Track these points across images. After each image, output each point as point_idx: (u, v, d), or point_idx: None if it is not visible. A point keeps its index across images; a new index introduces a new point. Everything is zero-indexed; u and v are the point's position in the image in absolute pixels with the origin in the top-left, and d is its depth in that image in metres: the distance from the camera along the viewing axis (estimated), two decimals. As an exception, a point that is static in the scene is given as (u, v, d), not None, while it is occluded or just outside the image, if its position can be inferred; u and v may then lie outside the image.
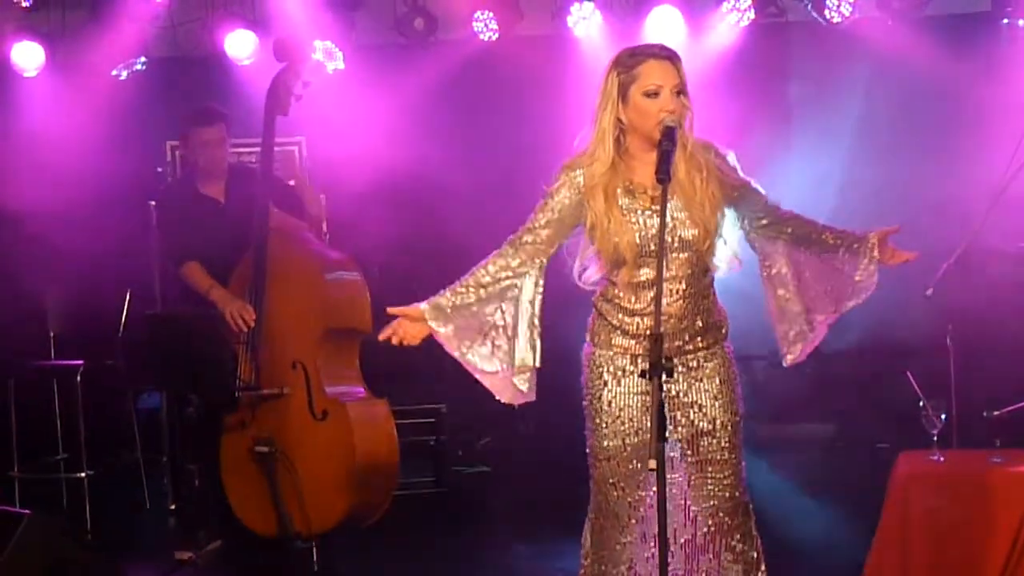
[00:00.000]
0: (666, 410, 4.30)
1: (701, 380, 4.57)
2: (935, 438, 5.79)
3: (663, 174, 4.15)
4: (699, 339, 4.56)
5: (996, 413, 7.21)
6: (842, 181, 9.10)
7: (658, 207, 4.36)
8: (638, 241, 4.46)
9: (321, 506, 6.50)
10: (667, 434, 4.32)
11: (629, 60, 4.49)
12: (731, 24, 9.06)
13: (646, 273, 4.49)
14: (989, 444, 7.12)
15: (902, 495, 5.70)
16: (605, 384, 4.62)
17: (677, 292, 4.50)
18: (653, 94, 4.42)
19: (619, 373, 4.59)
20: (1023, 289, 7.56)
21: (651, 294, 4.44)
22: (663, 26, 9.14)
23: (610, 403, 4.60)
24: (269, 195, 6.73)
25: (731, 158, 4.55)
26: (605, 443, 4.60)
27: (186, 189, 7.14)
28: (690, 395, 4.56)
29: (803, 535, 6.84)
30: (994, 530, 5.55)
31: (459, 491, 8.33)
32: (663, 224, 4.17)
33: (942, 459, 5.80)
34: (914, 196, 9.08)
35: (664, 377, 3.87)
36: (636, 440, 4.54)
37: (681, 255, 4.48)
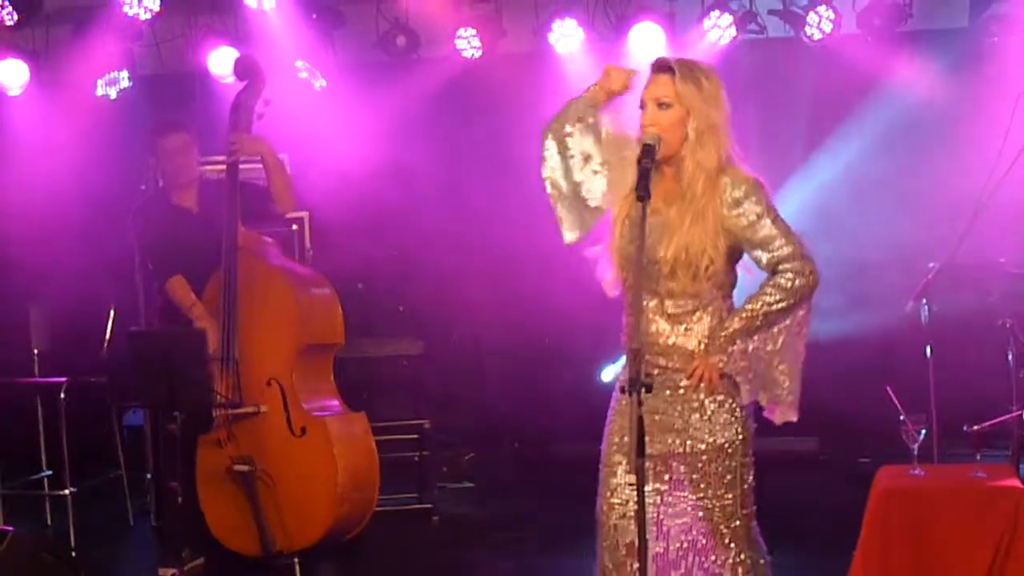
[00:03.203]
0: (646, 424, 4.32)
1: (681, 403, 4.53)
2: (915, 453, 5.81)
3: (642, 191, 4.18)
4: (667, 358, 4.53)
5: (976, 427, 7.25)
6: (821, 198, 9.14)
7: (659, 221, 4.43)
8: (620, 247, 4.49)
9: (304, 522, 6.51)
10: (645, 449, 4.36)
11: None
12: (712, 41, 9.09)
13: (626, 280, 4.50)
14: (970, 458, 7.15)
15: (883, 510, 5.72)
16: (617, 390, 4.62)
17: (649, 307, 4.51)
18: (641, 107, 4.47)
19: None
20: (1002, 303, 7.60)
21: (631, 299, 4.47)
22: (645, 43, 9.18)
23: (612, 408, 4.66)
24: (236, 214, 6.75)
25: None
26: (602, 446, 4.65)
27: (161, 201, 7.16)
28: (668, 416, 4.53)
29: (784, 550, 6.86)
30: (975, 544, 5.57)
31: (443, 507, 8.33)
32: (642, 241, 4.17)
33: (923, 473, 5.82)
34: (894, 210, 9.13)
35: (644, 392, 3.89)
36: (614, 446, 4.59)
37: (653, 272, 4.47)
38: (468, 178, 9.74)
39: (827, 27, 8.99)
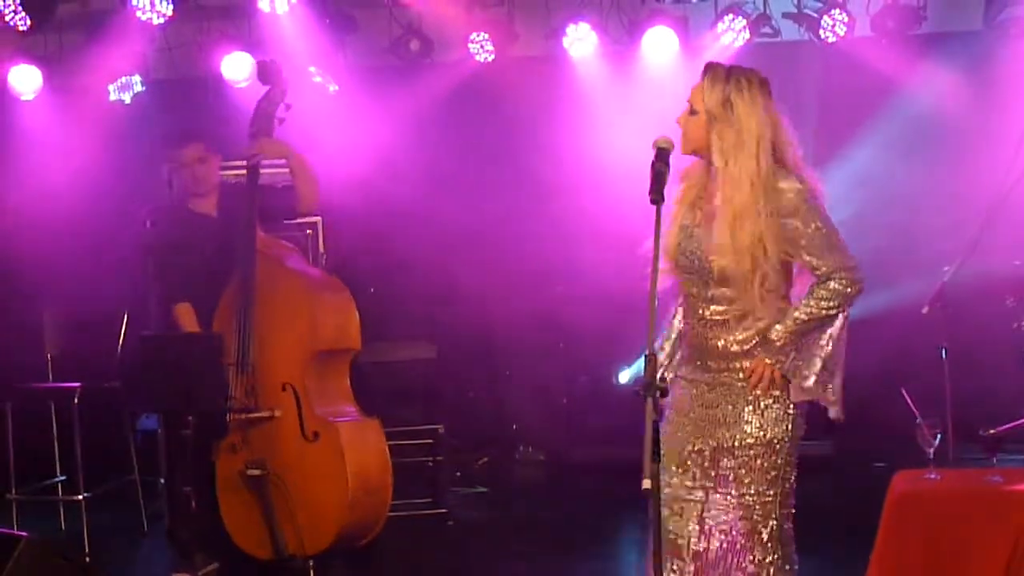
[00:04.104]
0: (697, 419, 4.61)
1: (727, 398, 4.65)
2: (931, 456, 5.78)
3: (655, 194, 4.23)
4: (723, 361, 4.64)
5: (992, 431, 7.22)
6: (835, 200, 9.10)
7: (700, 229, 4.61)
8: (672, 253, 4.63)
9: (314, 527, 6.50)
10: (693, 444, 4.62)
11: None
12: (726, 44, 9.08)
13: (685, 287, 4.68)
14: (986, 462, 7.12)
15: (899, 514, 5.69)
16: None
17: (703, 313, 4.64)
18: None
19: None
20: (1018, 306, 7.57)
21: (685, 303, 4.69)
22: (659, 47, 9.18)
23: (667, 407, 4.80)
24: (255, 217, 6.74)
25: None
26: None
27: (177, 209, 7.14)
28: (718, 411, 4.65)
29: (799, 555, 6.83)
30: (991, 549, 5.53)
31: (457, 511, 8.32)
32: (657, 246, 4.18)
33: (939, 478, 5.79)
34: (908, 214, 9.11)
35: (659, 396, 3.91)
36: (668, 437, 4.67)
37: (708, 276, 4.59)
38: (481, 182, 9.74)
39: (841, 30, 8.99)
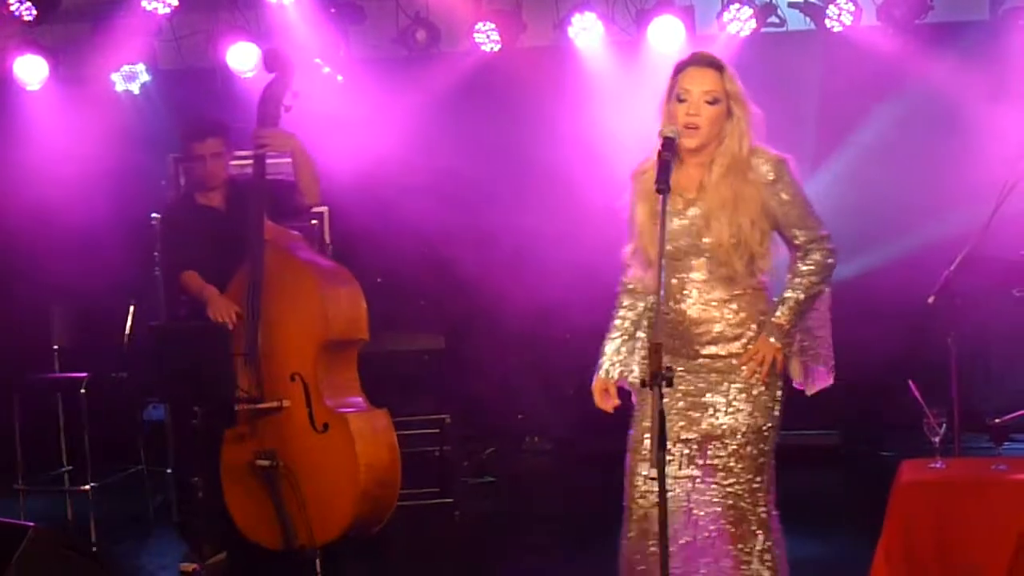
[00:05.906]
0: (683, 407, 4.60)
1: (715, 385, 4.66)
2: (937, 445, 5.79)
3: (661, 184, 4.26)
4: (711, 346, 4.66)
5: (998, 420, 7.22)
6: (842, 189, 9.12)
7: (684, 213, 4.63)
8: (655, 246, 4.57)
9: (325, 517, 6.49)
10: (679, 433, 4.61)
11: (678, 67, 4.68)
12: (732, 34, 9.07)
13: (668, 275, 4.64)
14: (993, 451, 7.13)
15: (905, 503, 5.70)
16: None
17: (694, 296, 4.65)
18: (681, 100, 4.60)
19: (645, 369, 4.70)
20: (1024, 296, 7.57)
21: (667, 293, 4.66)
22: (664, 37, 9.16)
23: (639, 394, 4.80)
24: (263, 207, 6.72)
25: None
26: (631, 431, 4.76)
27: (186, 201, 7.18)
28: (708, 396, 4.66)
29: (806, 545, 6.84)
30: (997, 537, 5.54)
31: (464, 502, 8.31)
32: (663, 234, 4.21)
33: (945, 467, 5.80)
34: (915, 204, 9.09)
35: (665, 386, 3.92)
36: (644, 431, 4.67)
37: (697, 260, 4.63)
38: (488, 172, 9.72)
39: (847, 19, 8.98)
